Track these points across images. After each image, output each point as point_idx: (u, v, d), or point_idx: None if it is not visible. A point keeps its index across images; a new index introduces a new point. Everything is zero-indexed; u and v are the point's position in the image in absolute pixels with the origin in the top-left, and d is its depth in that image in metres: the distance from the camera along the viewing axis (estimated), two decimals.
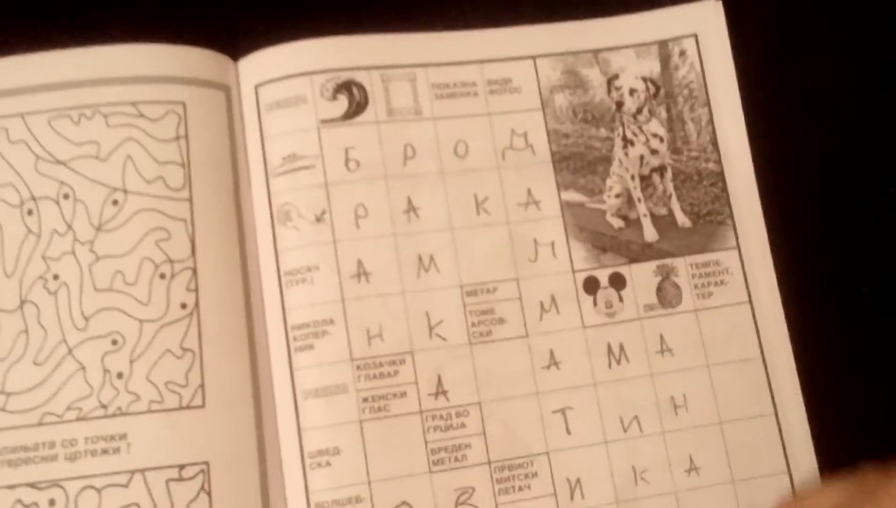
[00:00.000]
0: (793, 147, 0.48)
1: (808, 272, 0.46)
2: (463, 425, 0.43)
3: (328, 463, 0.42)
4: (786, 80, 0.49)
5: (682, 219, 0.47)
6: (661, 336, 0.45)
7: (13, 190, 0.43)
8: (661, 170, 0.48)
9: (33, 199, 0.43)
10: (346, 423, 0.42)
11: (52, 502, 0.40)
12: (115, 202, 0.43)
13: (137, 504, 0.40)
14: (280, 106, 0.46)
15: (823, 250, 0.47)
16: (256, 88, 0.46)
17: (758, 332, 0.45)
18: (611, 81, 0.49)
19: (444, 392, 0.43)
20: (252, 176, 0.45)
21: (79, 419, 0.41)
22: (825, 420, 0.44)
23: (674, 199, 0.47)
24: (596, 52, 0.49)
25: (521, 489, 0.42)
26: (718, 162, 0.48)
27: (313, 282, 0.43)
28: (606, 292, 0.46)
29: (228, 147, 0.45)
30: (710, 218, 0.47)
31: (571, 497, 0.43)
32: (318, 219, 0.44)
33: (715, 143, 0.48)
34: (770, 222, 0.47)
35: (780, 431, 0.44)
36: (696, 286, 0.46)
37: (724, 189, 0.48)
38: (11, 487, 0.40)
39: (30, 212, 0.43)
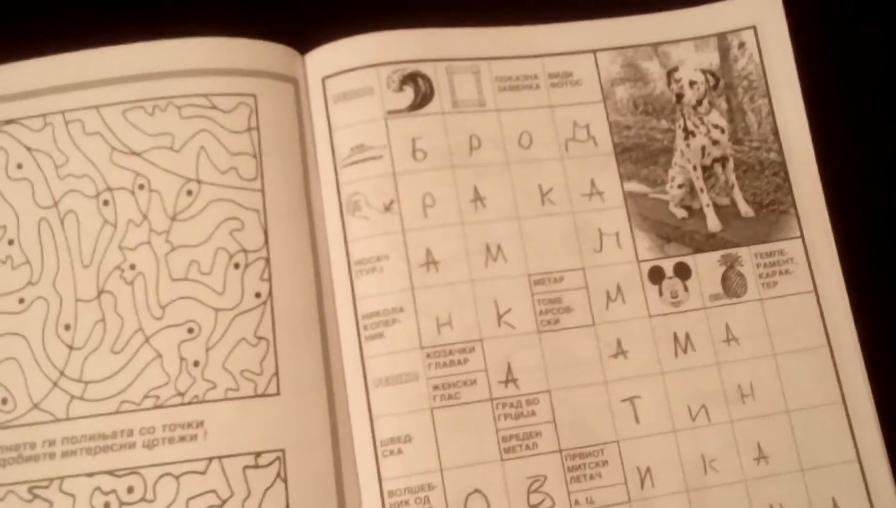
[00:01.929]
0: (855, 135, 0.47)
1: (873, 260, 0.45)
2: (533, 413, 0.41)
3: (400, 451, 0.40)
4: (846, 68, 0.48)
5: (745, 209, 0.46)
6: (727, 325, 0.44)
7: (89, 181, 0.42)
8: (722, 160, 0.46)
9: (109, 190, 0.42)
10: (417, 411, 0.41)
11: (130, 489, 0.39)
12: (189, 193, 0.42)
13: (215, 491, 0.39)
14: (347, 98, 0.45)
15: (888, 237, 0.45)
16: (323, 80, 0.45)
17: (823, 320, 0.44)
18: (670, 73, 0.47)
19: (514, 380, 0.42)
20: (320, 167, 0.44)
21: (156, 406, 0.39)
22: (893, 408, 0.43)
23: (736, 189, 0.46)
24: (655, 45, 0.47)
25: (591, 477, 0.41)
26: (780, 152, 0.46)
27: (383, 271, 0.42)
28: (671, 282, 0.44)
29: (297, 139, 0.44)
30: (773, 207, 0.46)
31: (642, 486, 0.41)
32: (387, 208, 0.43)
33: (776, 132, 0.47)
34: (833, 211, 0.45)
35: (849, 419, 0.42)
36: (760, 276, 0.45)
37: (787, 179, 0.46)
38: (90, 475, 0.39)
39: (106, 203, 0.42)
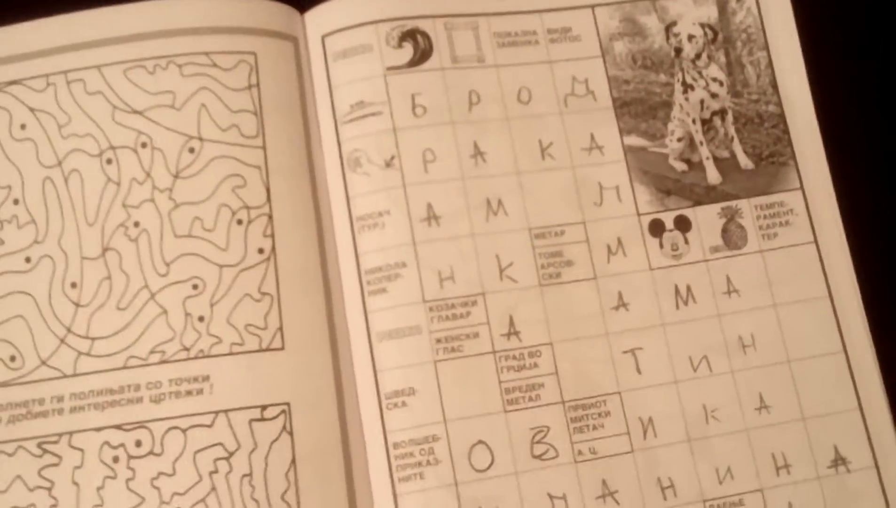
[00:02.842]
0: (853, 86, 0.47)
1: (873, 210, 0.45)
2: (535, 365, 0.42)
3: (404, 404, 0.41)
4: (843, 18, 0.48)
5: (744, 161, 0.46)
6: (728, 277, 0.44)
7: (92, 140, 0.42)
8: (721, 113, 0.46)
9: (112, 148, 0.42)
10: (421, 364, 0.41)
11: (138, 443, 0.39)
12: (191, 150, 0.42)
13: (222, 444, 0.39)
14: (346, 55, 0.45)
15: (888, 187, 0.46)
16: (323, 38, 0.45)
17: (824, 271, 0.44)
18: (669, 27, 0.47)
19: (516, 333, 0.42)
20: (321, 124, 0.44)
21: (162, 361, 0.40)
22: (894, 355, 0.43)
23: (736, 141, 0.46)
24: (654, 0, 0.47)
25: (594, 427, 0.41)
26: (779, 104, 0.46)
27: (384, 226, 0.42)
28: (672, 235, 0.44)
29: (298, 96, 0.44)
30: (773, 159, 0.46)
31: (644, 436, 0.42)
32: (388, 164, 0.43)
33: (775, 85, 0.47)
34: (833, 162, 0.45)
35: (850, 368, 0.43)
36: (760, 228, 0.45)
37: (786, 130, 0.46)
38: (98, 429, 0.39)
39: (109, 161, 0.42)
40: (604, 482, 0.41)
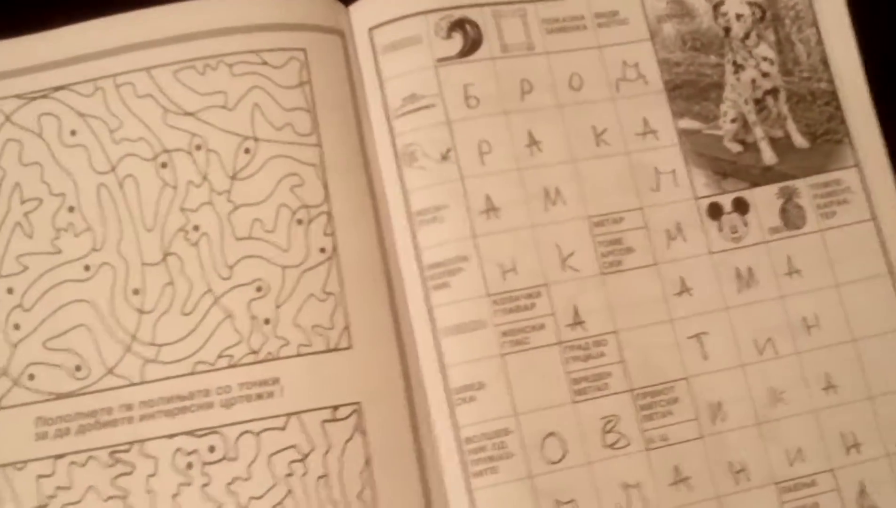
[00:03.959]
0: None
1: None
2: (602, 354, 0.42)
3: (473, 398, 0.41)
4: None
5: (798, 140, 0.46)
6: (788, 258, 0.44)
7: (145, 144, 0.42)
8: (773, 92, 0.46)
9: (166, 151, 0.42)
10: (488, 358, 0.41)
11: (211, 448, 0.39)
12: (247, 151, 0.41)
13: (295, 446, 0.39)
14: (395, 48, 0.44)
15: None
16: (370, 31, 0.45)
17: (884, 248, 0.44)
18: (716, 7, 0.47)
19: (581, 323, 0.42)
20: (373, 119, 0.44)
21: (230, 366, 0.40)
22: None
23: (789, 120, 0.46)
24: None
25: (663, 414, 0.41)
26: (830, 81, 0.46)
27: (444, 220, 0.42)
28: (731, 217, 0.44)
29: (349, 91, 0.43)
30: (827, 137, 0.46)
31: (713, 421, 0.42)
32: (444, 157, 0.43)
33: (825, 62, 0.46)
34: (888, 138, 0.45)
35: None
36: (818, 207, 0.45)
37: (839, 108, 0.46)
38: (171, 436, 0.39)
39: (164, 165, 0.42)
40: (676, 468, 0.41)
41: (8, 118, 0.42)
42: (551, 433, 0.41)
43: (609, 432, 0.41)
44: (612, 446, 0.41)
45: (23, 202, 0.41)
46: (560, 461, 0.40)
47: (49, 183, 0.42)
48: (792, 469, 0.41)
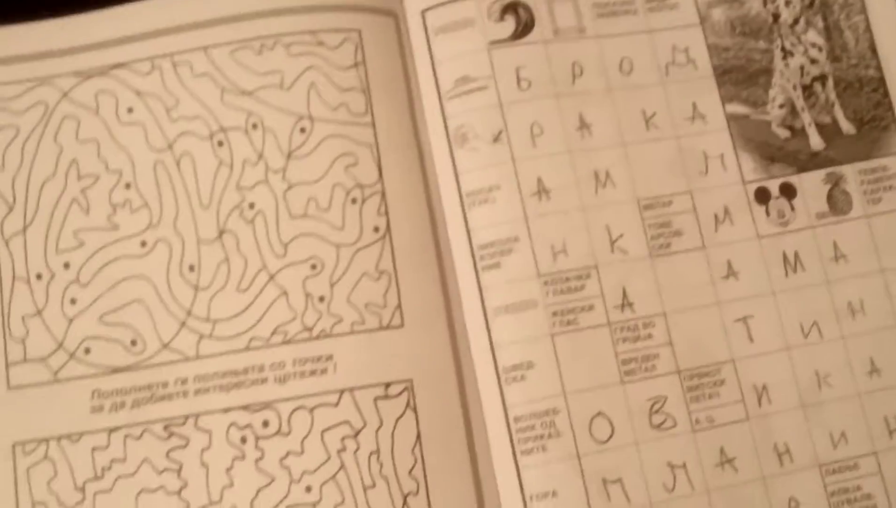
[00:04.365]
0: None
1: None
2: (650, 335, 0.42)
3: (523, 377, 0.41)
4: None
5: (846, 126, 0.45)
6: (835, 243, 0.44)
7: (202, 123, 0.42)
8: (822, 79, 0.46)
9: (222, 130, 0.42)
10: (538, 337, 0.41)
11: (265, 423, 0.39)
12: (302, 130, 0.42)
13: (348, 422, 0.39)
14: (448, 30, 0.44)
15: None
16: (423, 13, 0.45)
17: None
18: None
19: (630, 304, 0.42)
20: (425, 100, 0.44)
21: (284, 342, 0.40)
22: None
23: (837, 107, 0.46)
24: None
25: (710, 396, 0.41)
26: (878, 68, 0.46)
27: (495, 201, 0.42)
28: (778, 202, 0.44)
29: (402, 73, 0.43)
30: (874, 124, 0.45)
31: (759, 403, 0.42)
32: (496, 139, 0.43)
33: (874, 49, 0.46)
34: None
35: None
36: (865, 193, 0.44)
37: (886, 94, 0.46)
38: (225, 411, 0.39)
39: (220, 143, 0.42)
40: (721, 450, 0.41)
41: (65, 95, 0.43)
42: (599, 413, 0.41)
43: (656, 412, 0.41)
44: (658, 426, 0.41)
45: (79, 178, 0.42)
46: (608, 440, 0.40)
47: (106, 160, 0.42)
48: (835, 452, 0.41)
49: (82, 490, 0.39)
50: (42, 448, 0.39)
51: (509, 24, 0.44)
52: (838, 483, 0.41)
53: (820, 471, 0.41)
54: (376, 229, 0.41)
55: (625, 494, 0.40)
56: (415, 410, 0.39)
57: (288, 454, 0.39)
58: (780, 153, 0.45)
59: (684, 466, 0.40)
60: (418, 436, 0.39)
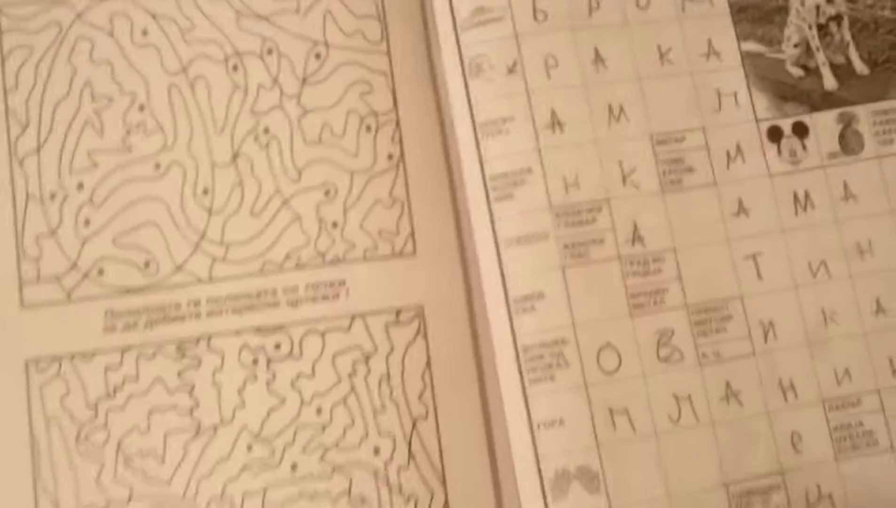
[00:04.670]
0: None
1: None
2: (660, 270, 0.42)
3: (533, 308, 0.41)
4: None
5: (860, 67, 0.45)
6: (845, 183, 0.44)
7: (217, 47, 0.41)
8: (837, 19, 0.46)
9: (237, 54, 0.41)
10: (548, 269, 0.41)
11: (277, 346, 0.39)
12: (317, 56, 0.41)
13: (359, 347, 0.39)
14: None
15: None
16: None
17: None
18: None
19: (640, 239, 0.42)
20: (440, 30, 0.43)
21: (297, 267, 0.40)
22: None
23: (851, 47, 0.45)
24: None
25: (717, 331, 0.41)
26: (894, 9, 0.45)
27: (509, 133, 0.42)
28: (790, 141, 0.44)
29: (418, 2, 0.43)
30: (889, 65, 0.45)
31: (765, 339, 0.42)
32: (510, 70, 0.42)
33: None
34: None
35: None
36: (877, 134, 0.44)
37: None
38: (238, 333, 0.39)
39: (235, 67, 0.41)
40: (727, 383, 0.41)
41: (79, 16, 0.42)
42: (607, 345, 0.41)
43: (663, 345, 0.41)
44: (665, 359, 0.41)
45: (93, 100, 0.41)
46: (615, 371, 0.40)
47: (120, 82, 0.41)
48: (839, 389, 0.41)
49: (95, 407, 0.39)
50: (55, 365, 0.39)
51: None
52: (841, 419, 0.41)
53: (823, 407, 0.41)
54: (390, 157, 0.40)
55: (630, 424, 0.40)
56: (425, 336, 0.39)
57: (299, 376, 0.39)
58: (794, 92, 0.44)
59: (690, 398, 0.41)
60: (428, 362, 0.39)
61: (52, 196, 0.40)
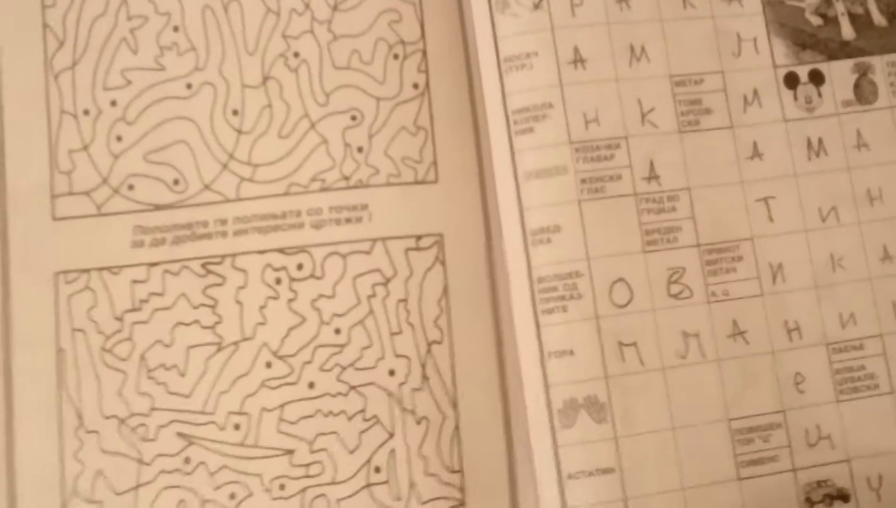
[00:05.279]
0: None
1: None
2: (674, 208, 0.42)
3: (549, 240, 0.41)
4: None
5: (878, 18, 0.45)
6: (858, 131, 0.44)
7: None
8: None
9: None
10: (566, 203, 0.41)
11: (300, 266, 0.40)
12: None
13: (380, 270, 0.39)
14: None
15: None
16: None
17: None
18: None
19: (657, 177, 0.42)
20: None
21: (322, 189, 0.40)
22: None
23: None
24: None
25: (727, 271, 0.42)
26: None
27: (532, 67, 0.42)
28: (806, 88, 0.44)
29: None
30: None
31: (773, 281, 0.42)
32: (536, 6, 0.42)
33: None
34: None
35: None
36: (891, 84, 0.44)
37: None
38: (262, 252, 0.40)
39: None
40: (734, 322, 0.41)
41: None
42: (620, 279, 0.41)
43: (674, 282, 0.41)
44: (676, 296, 0.41)
45: (129, 19, 0.41)
46: (626, 305, 0.41)
47: (155, 2, 0.41)
48: (843, 332, 0.42)
49: (121, 319, 0.39)
50: (84, 277, 0.39)
51: None
52: (843, 362, 0.42)
53: (827, 349, 0.42)
54: (416, 86, 0.40)
55: (639, 357, 0.40)
56: (443, 263, 0.40)
57: (320, 296, 0.39)
58: (812, 40, 0.44)
59: (698, 335, 0.41)
60: (445, 288, 0.39)
61: (87, 112, 0.40)
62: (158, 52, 0.40)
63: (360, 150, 0.40)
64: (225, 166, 0.39)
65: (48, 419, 0.38)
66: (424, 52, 0.40)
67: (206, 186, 0.39)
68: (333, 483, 0.38)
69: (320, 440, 0.38)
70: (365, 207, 0.39)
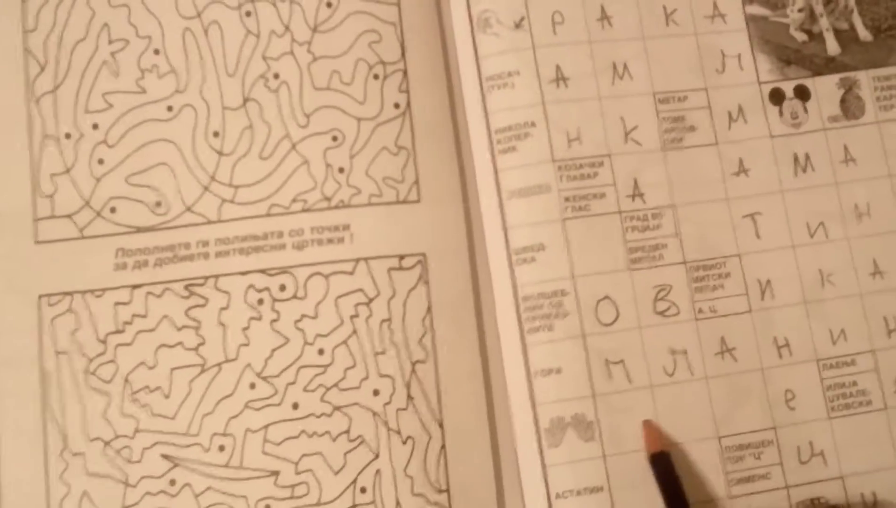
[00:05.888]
0: None
1: None
2: (659, 226, 0.41)
3: (533, 259, 0.40)
4: None
5: (863, 33, 0.44)
6: (845, 146, 0.43)
7: None
8: None
9: (251, 1, 0.41)
10: (550, 221, 0.40)
11: (282, 287, 0.39)
12: (328, 5, 0.40)
13: (362, 290, 0.38)
14: None
15: None
16: None
17: None
18: None
19: (641, 195, 0.41)
20: None
21: (304, 210, 0.39)
22: None
23: (855, 13, 0.44)
24: None
25: (714, 288, 0.41)
26: None
27: (514, 86, 0.41)
28: (792, 104, 0.43)
29: None
30: (891, 32, 0.44)
31: (762, 297, 0.41)
32: (517, 25, 0.42)
33: None
34: None
35: None
36: (878, 99, 0.43)
37: None
38: (244, 273, 0.39)
39: (248, 14, 0.40)
40: (722, 339, 0.40)
41: None
42: (606, 297, 0.40)
43: (661, 299, 0.40)
44: (662, 313, 0.40)
45: (110, 42, 0.40)
46: (612, 323, 0.40)
47: (136, 25, 0.41)
48: (834, 348, 0.41)
49: (104, 341, 0.38)
50: (66, 300, 0.38)
51: None
52: (835, 378, 0.40)
53: (818, 366, 0.40)
54: (397, 106, 0.40)
55: (626, 375, 0.39)
56: (427, 283, 0.39)
57: (303, 317, 0.38)
58: (797, 56, 0.43)
59: (685, 352, 0.40)
60: (429, 308, 0.38)
61: (68, 135, 0.39)
62: (139, 75, 0.40)
63: (341, 170, 0.39)
64: (206, 188, 0.39)
65: (33, 441, 0.37)
66: (405, 72, 0.40)
67: (188, 208, 0.39)
68: (319, 504, 0.37)
69: (305, 461, 0.37)
70: (347, 227, 0.38)
